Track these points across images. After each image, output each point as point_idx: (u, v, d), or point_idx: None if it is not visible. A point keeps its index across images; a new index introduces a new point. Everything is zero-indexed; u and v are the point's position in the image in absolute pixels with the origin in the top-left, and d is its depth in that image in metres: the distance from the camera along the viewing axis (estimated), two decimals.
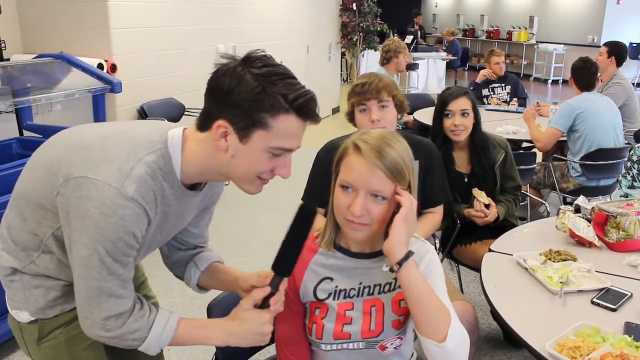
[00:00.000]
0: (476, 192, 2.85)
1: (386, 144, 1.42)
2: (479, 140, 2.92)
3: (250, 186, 1.37)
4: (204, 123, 1.32)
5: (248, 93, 1.23)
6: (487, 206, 2.82)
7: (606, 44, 5.09)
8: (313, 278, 1.54)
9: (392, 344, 1.53)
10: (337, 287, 1.54)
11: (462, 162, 2.97)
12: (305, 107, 1.27)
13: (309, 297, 1.55)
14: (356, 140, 1.45)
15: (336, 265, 1.55)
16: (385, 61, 5.38)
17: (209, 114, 1.30)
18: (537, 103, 5.16)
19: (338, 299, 1.53)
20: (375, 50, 10.73)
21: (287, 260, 1.39)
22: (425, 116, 5.13)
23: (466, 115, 2.85)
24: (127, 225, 1.25)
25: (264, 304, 1.41)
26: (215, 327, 1.44)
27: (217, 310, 1.77)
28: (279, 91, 1.24)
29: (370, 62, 11.40)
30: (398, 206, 1.43)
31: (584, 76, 4.23)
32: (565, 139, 4.29)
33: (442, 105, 2.90)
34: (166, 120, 4.80)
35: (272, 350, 1.73)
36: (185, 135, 1.37)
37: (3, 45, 4.34)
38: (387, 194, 1.41)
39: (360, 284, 1.53)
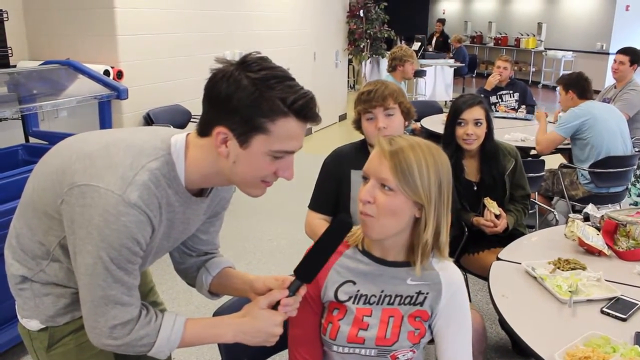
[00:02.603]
0: (487, 201, 2.84)
1: (410, 147, 1.43)
2: (489, 149, 2.91)
3: (253, 190, 1.37)
4: (204, 129, 1.32)
5: (246, 98, 1.23)
6: (497, 216, 2.81)
7: (626, 52, 5.08)
8: (336, 279, 1.55)
9: (403, 355, 1.53)
10: (358, 291, 1.54)
11: (471, 170, 2.96)
12: (304, 109, 1.27)
13: (329, 297, 1.56)
14: (388, 137, 1.49)
15: (360, 270, 1.55)
16: (391, 68, 5.39)
17: (208, 120, 1.31)
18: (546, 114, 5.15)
19: (358, 303, 1.54)
20: (382, 57, 10.75)
21: (311, 267, 1.40)
22: (433, 123, 5.12)
23: (479, 124, 2.85)
24: (130, 232, 1.26)
25: (278, 306, 1.41)
26: (224, 325, 1.44)
27: None
28: (277, 95, 1.24)
29: (376, 68, 11.41)
30: (416, 217, 1.46)
31: (582, 85, 4.30)
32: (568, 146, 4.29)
33: (455, 113, 2.90)
34: (172, 127, 4.82)
35: (279, 358, 1.72)
36: (188, 141, 1.37)
37: (9, 51, 4.37)
38: (393, 185, 1.42)
39: (382, 291, 1.54)
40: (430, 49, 13.86)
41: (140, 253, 1.32)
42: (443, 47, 13.93)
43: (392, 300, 1.53)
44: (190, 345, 1.45)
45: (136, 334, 1.34)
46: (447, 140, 2.92)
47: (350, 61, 11.09)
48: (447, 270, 1.55)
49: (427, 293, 1.53)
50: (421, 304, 1.53)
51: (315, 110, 1.30)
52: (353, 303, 1.54)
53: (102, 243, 1.25)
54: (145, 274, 1.84)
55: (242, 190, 1.40)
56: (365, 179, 1.48)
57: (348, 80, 11.42)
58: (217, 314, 1.77)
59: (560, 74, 14.36)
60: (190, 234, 1.59)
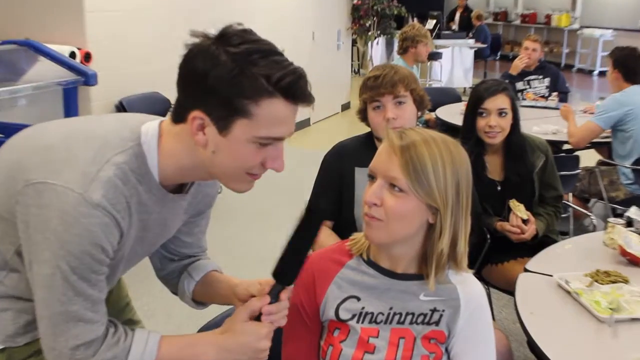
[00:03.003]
0: (513, 204, 2.83)
1: (424, 141, 1.43)
2: (515, 143, 2.91)
3: (238, 184, 1.37)
4: (178, 114, 1.31)
5: (224, 76, 1.22)
6: (525, 221, 2.81)
7: None
8: (337, 294, 1.55)
9: None
10: (363, 308, 1.54)
11: (494, 167, 2.96)
12: (292, 88, 1.25)
13: (329, 315, 1.55)
14: (398, 130, 1.49)
15: (365, 283, 1.55)
16: (402, 50, 5.39)
17: (182, 103, 1.30)
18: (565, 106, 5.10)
19: (362, 322, 1.53)
20: (392, 37, 10.75)
21: (289, 267, 1.39)
22: (450, 114, 5.12)
23: (503, 114, 2.84)
24: (93, 236, 1.24)
25: (261, 316, 1.41)
26: (204, 343, 1.43)
27: None
28: (260, 71, 1.23)
29: (383, 50, 11.41)
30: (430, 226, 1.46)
31: (631, 64, 4.23)
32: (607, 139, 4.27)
33: (476, 101, 2.90)
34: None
35: None
36: (161, 129, 1.36)
37: None
38: (404, 186, 1.41)
39: (391, 308, 1.53)
40: (454, 27, 13.79)
41: (106, 261, 1.31)
42: (469, 24, 13.90)
43: (402, 319, 1.53)
44: None
45: (102, 355, 1.32)
46: (467, 134, 2.92)
47: (354, 42, 11.10)
48: (466, 284, 1.55)
49: (443, 310, 1.52)
50: (436, 323, 1.52)
51: (306, 88, 1.28)
52: (357, 322, 1.53)
53: (61, 250, 1.23)
54: (121, 287, 1.84)
55: (225, 184, 1.39)
56: (372, 177, 1.48)
57: (352, 64, 11.42)
58: (202, 331, 1.76)
59: (598, 56, 14.36)
60: (169, 236, 1.59)
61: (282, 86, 1.24)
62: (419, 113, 2.45)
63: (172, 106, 1.35)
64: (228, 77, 1.22)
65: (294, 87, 1.26)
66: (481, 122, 2.88)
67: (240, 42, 1.25)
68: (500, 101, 2.85)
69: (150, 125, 1.37)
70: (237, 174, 1.34)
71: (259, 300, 1.40)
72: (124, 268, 1.50)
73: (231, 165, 1.32)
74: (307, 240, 1.38)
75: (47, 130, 1.40)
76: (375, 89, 2.36)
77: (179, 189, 1.46)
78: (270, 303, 1.40)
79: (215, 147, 1.29)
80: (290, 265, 1.39)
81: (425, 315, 1.52)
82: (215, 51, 1.23)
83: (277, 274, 1.40)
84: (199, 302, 1.70)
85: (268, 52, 1.25)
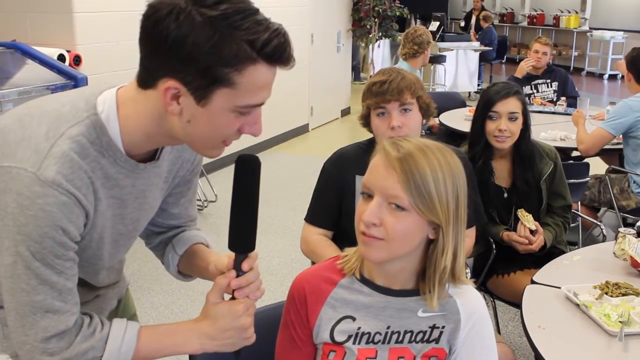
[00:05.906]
0: (522, 214, 2.85)
1: (420, 151, 1.41)
2: (524, 149, 2.93)
3: (212, 151, 1.34)
4: (146, 79, 1.27)
5: (203, 43, 1.17)
6: (533, 232, 2.83)
7: None
8: (331, 315, 1.54)
9: None
10: (359, 328, 1.52)
11: (502, 173, 2.98)
12: (277, 53, 1.22)
13: (324, 338, 1.54)
14: (391, 140, 1.47)
15: (360, 302, 1.54)
16: (412, 53, 5.35)
17: (151, 69, 1.25)
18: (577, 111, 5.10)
19: (359, 343, 1.52)
20: (394, 39, 10.76)
21: (241, 232, 1.37)
22: (454, 119, 5.12)
23: (514, 119, 2.86)
24: (51, 217, 1.22)
25: (234, 292, 1.40)
26: (185, 331, 1.42)
27: None
28: (243, 36, 1.18)
29: (386, 53, 11.42)
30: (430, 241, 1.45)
31: None
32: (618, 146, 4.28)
33: (486, 104, 2.91)
34: None
35: None
36: (119, 96, 1.32)
37: None
38: (406, 204, 1.39)
39: (388, 327, 1.52)
40: (471, 30, 13.66)
41: (71, 245, 1.28)
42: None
43: (400, 338, 1.52)
44: (148, 359, 1.43)
45: (78, 347, 1.31)
46: (475, 137, 2.95)
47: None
48: (465, 296, 1.55)
49: (443, 327, 1.52)
50: (436, 340, 1.52)
51: (290, 50, 1.25)
52: (353, 343, 1.52)
53: (19, 235, 1.22)
54: (128, 297, 1.84)
55: (196, 151, 1.39)
56: (367, 195, 1.44)
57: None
58: None
59: (609, 59, 14.35)
60: (153, 210, 1.56)
61: (266, 52, 1.21)
62: (424, 120, 2.45)
63: (138, 69, 1.29)
64: (207, 44, 1.17)
65: (279, 51, 1.22)
66: (491, 126, 2.89)
67: (216, 1, 1.19)
68: (511, 105, 2.87)
69: (106, 94, 1.33)
70: (212, 142, 1.32)
71: (225, 278, 1.39)
72: (113, 251, 1.48)
73: (207, 135, 1.29)
74: (249, 197, 1.35)
75: (4, 115, 1.37)
76: (380, 95, 2.33)
77: (151, 157, 1.43)
78: (238, 277, 1.38)
79: (191, 116, 1.25)
80: (241, 230, 1.37)
81: (424, 332, 1.52)
82: (190, 13, 1.17)
83: (232, 244, 1.38)
84: (186, 274, 1.70)
85: (247, 12, 1.20)
